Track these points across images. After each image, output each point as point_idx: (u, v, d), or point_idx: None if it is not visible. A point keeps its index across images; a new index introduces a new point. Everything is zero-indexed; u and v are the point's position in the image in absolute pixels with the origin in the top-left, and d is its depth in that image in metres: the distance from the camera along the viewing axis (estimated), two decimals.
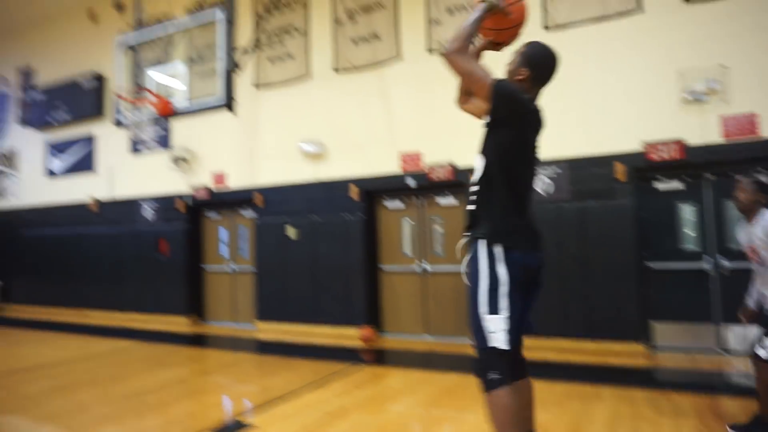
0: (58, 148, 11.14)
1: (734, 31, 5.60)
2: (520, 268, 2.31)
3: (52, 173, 11.27)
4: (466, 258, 2.43)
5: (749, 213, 3.42)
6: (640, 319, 5.91)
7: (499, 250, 2.29)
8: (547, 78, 2.53)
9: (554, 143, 6.25)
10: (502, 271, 2.27)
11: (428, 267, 7.32)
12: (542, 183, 6.37)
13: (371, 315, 7.49)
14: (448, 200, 7.22)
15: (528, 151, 2.45)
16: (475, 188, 2.45)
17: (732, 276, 5.71)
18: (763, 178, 5.57)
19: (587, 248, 6.13)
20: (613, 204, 6.03)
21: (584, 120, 6.22)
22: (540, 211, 6.28)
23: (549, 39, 6.29)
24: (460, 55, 2.33)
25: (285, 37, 8.37)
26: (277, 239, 8.15)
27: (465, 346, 6.62)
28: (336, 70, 7.86)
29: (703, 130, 5.70)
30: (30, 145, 11.67)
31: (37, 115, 11.29)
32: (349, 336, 7.35)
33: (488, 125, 2.43)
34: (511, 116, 2.36)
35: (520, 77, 2.49)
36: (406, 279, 7.49)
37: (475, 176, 2.46)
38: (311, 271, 7.86)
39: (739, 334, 5.64)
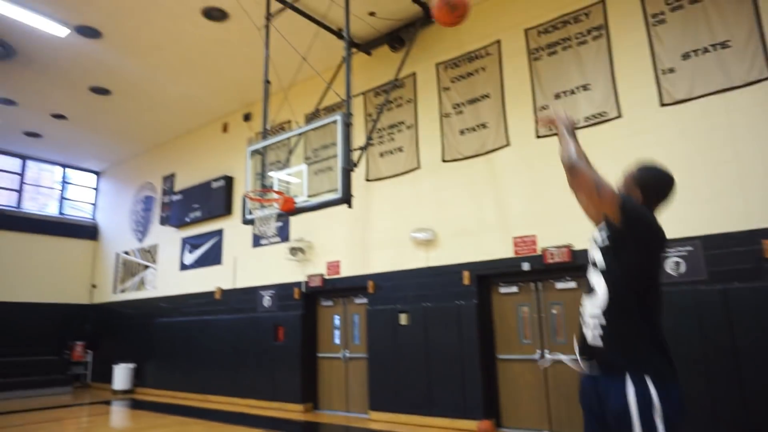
0: (191, 244, 12.38)
1: None
2: (679, 410, 2.03)
3: (184, 266, 12.45)
4: (593, 387, 2.20)
5: None
6: None
7: (651, 389, 2.01)
8: (660, 203, 2.41)
9: (684, 219, 5.92)
10: (660, 418, 1.98)
11: (549, 355, 6.92)
12: (671, 263, 5.96)
13: (488, 407, 7.11)
14: (566, 284, 6.94)
15: (659, 273, 2.27)
16: (597, 314, 2.20)
17: None
18: None
19: (737, 336, 5.49)
20: (764, 286, 5.44)
21: (717, 194, 5.85)
22: (672, 293, 5.84)
23: (668, 115, 6.22)
24: (583, 166, 2.28)
25: (395, 133, 8.96)
26: (389, 326, 8.21)
27: None
28: (444, 160, 8.20)
29: None
30: (168, 241, 13.09)
31: (175, 215, 12.76)
32: (466, 429, 6.99)
33: (613, 243, 2.26)
34: (642, 237, 2.19)
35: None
36: (525, 368, 7.11)
37: (598, 301, 2.22)
38: (424, 359, 7.74)
39: None
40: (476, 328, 7.33)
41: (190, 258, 12.33)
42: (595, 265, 2.35)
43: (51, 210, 15.60)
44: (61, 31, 8.77)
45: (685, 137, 6.15)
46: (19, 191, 14.90)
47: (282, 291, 10.01)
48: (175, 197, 12.91)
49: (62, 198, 15.85)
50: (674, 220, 5.98)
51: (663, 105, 6.39)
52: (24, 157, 14.98)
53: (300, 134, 8.06)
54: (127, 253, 14.47)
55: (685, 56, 6.29)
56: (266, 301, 10.26)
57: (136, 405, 10.96)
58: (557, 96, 7.24)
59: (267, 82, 7.89)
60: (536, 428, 6.87)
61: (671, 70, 6.38)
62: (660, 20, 6.56)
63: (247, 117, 11.66)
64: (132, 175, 15.06)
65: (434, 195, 8.19)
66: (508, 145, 7.58)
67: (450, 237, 7.90)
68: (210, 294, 11.51)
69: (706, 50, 6.16)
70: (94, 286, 15.51)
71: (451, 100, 8.35)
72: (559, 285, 7.02)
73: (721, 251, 5.71)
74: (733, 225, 5.70)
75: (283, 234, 10.18)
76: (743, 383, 5.36)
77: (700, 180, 5.94)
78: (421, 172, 8.45)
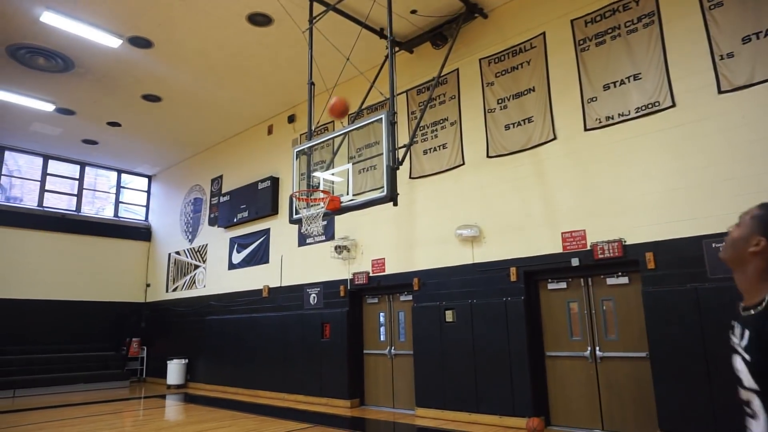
0: (239, 243, 12.72)
1: None
2: None
3: (233, 265, 12.81)
4: None
5: None
6: None
7: None
8: None
9: (744, 210, 5.67)
10: None
11: (599, 352, 6.75)
12: None
13: (537, 404, 7.00)
14: (617, 280, 6.75)
15: None
16: None
17: None
18: None
19: None
20: None
21: None
22: (732, 289, 5.59)
23: (725, 102, 5.96)
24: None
25: (438, 130, 8.95)
26: (435, 323, 8.19)
27: None
28: (489, 156, 8.12)
29: None
30: (217, 241, 13.50)
31: (223, 216, 13.15)
32: (514, 427, 6.90)
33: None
34: None
35: (755, 249, 1.59)
36: (575, 365, 6.96)
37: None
38: (470, 356, 7.69)
39: None
40: (524, 324, 7.22)
41: (238, 257, 12.67)
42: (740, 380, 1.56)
43: (107, 213, 16.36)
44: (114, 42, 9.20)
45: (745, 125, 5.87)
46: (78, 196, 15.69)
47: (328, 289, 10.16)
48: (223, 198, 13.30)
49: (117, 201, 16.59)
50: (732, 211, 5.75)
51: (721, 92, 6.12)
52: (82, 164, 15.77)
53: (344, 134, 8.16)
54: (178, 253, 15.01)
55: (745, 40, 6.01)
56: (312, 298, 10.43)
57: (189, 399, 11.35)
58: (606, 87, 7.05)
59: (311, 83, 8.03)
60: (587, 426, 6.72)
61: (730, 55, 6.11)
62: (717, 3, 6.28)
63: (291, 119, 11.89)
64: (182, 178, 15.62)
65: (479, 191, 8.12)
66: (554, 138, 7.44)
67: (496, 233, 7.82)
68: (258, 292, 11.79)
69: None
70: (148, 285, 16.16)
71: (495, 95, 8.27)
72: (610, 281, 6.83)
73: None
74: None
75: (329, 233, 10.33)
76: None
77: (760, 170, 5.66)
78: (465, 169, 8.40)
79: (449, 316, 8.04)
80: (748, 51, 6.00)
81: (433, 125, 9.03)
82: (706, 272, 5.84)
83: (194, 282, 14.10)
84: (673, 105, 6.44)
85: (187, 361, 13.39)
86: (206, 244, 13.93)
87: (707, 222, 5.92)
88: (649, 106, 6.63)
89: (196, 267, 14.13)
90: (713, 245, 5.81)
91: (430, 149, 9.02)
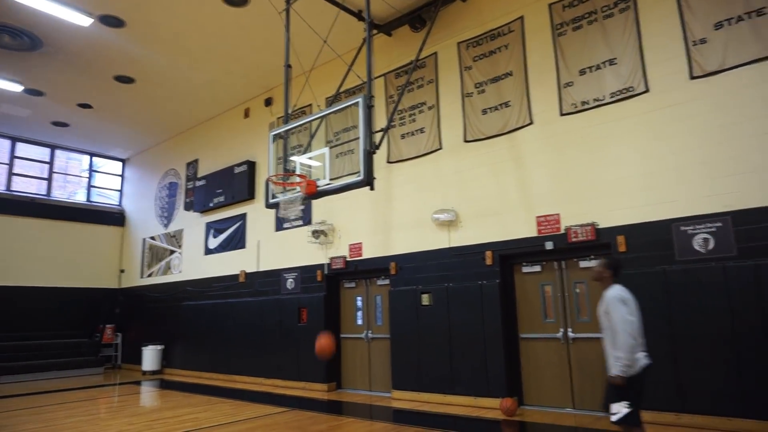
0: (215, 228, 12.57)
1: None
2: None
3: (209, 250, 12.67)
4: None
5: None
6: None
7: None
8: None
9: (712, 194, 5.81)
10: None
11: (572, 334, 6.88)
12: (699, 239, 5.84)
13: (511, 385, 7.12)
14: (590, 263, 6.85)
15: None
16: None
17: None
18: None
19: (765, 312, 5.37)
20: None
21: (748, 168, 5.68)
22: (700, 271, 5.74)
23: (697, 88, 6.05)
24: None
25: (416, 114, 8.92)
26: (411, 307, 8.24)
27: None
28: (466, 140, 8.13)
29: None
30: (193, 226, 13.32)
31: (199, 200, 12.96)
32: (488, 407, 7.01)
33: None
34: None
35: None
36: (548, 347, 7.08)
37: None
38: (446, 338, 7.76)
39: None
40: (499, 307, 7.31)
41: (214, 242, 12.53)
42: None
43: (79, 198, 15.99)
44: (85, 21, 8.91)
45: (716, 110, 5.98)
46: (49, 180, 15.29)
47: (305, 273, 10.12)
48: (199, 183, 13.09)
49: (90, 186, 16.22)
50: (703, 195, 5.91)
51: (693, 78, 6.21)
52: (52, 147, 15.35)
53: (321, 118, 8.07)
54: (153, 238, 14.78)
55: (718, 26, 6.10)
56: (289, 283, 10.38)
57: (165, 385, 11.25)
58: (582, 72, 7.10)
59: (288, 66, 7.90)
60: (559, 406, 6.86)
61: (702, 41, 6.19)
62: None
63: (268, 102, 11.73)
64: (156, 162, 15.33)
65: (456, 176, 8.14)
66: (531, 123, 7.48)
67: (472, 217, 7.86)
68: (235, 277, 11.69)
69: (740, 18, 5.95)
70: (122, 271, 15.91)
71: (473, 80, 8.26)
72: (583, 263, 6.94)
73: (752, 227, 5.57)
74: (761, 200, 5.54)
75: (306, 217, 10.27)
76: None
77: (730, 154, 5.79)
78: (443, 153, 8.41)
79: (425, 299, 8.09)
80: (720, 37, 6.08)
81: (411, 109, 8.99)
82: (674, 254, 5.98)
83: (170, 267, 13.92)
84: (647, 90, 6.51)
85: (163, 347, 13.25)
86: (182, 229, 13.73)
87: (676, 206, 6.05)
88: (624, 91, 6.70)
89: (172, 252, 13.94)
90: (680, 228, 5.96)
91: (407, 133, 8.99)
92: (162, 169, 15.00)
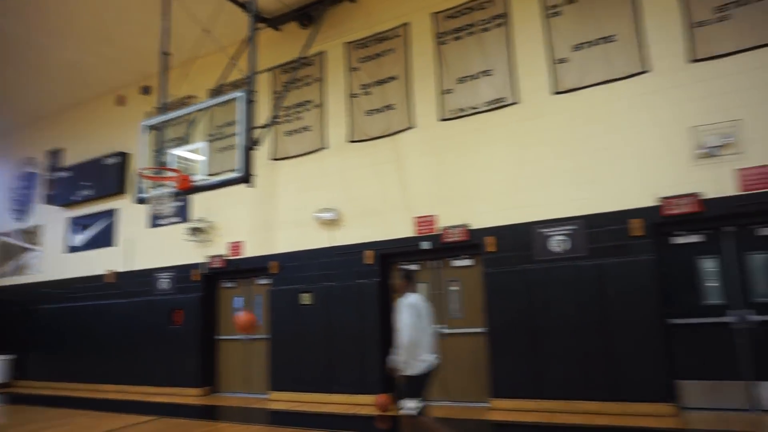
0: (80, 224, 11.45)
1: (743, 85, 5.73)
2: None
3: (73, 248, 11.50)
4: None
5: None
6: (666, 379, 5.68)
7: None
8: None
9: (568, 200, 6.37)
10: None
11: (446, 330, 7.18)
12: (558, 240, 6.39)
13: (387, 382, 7.25)
14: (463, 261, 7.21)
15: None
16: None
17: (760, 329, 5.53)
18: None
19: (608, 306, 6.01)
20: (632, 260, 5.98)
21: (597, 177, 6.32)
22: (557, 269, 6.28)
23: (559, 102, 6.62)
24: None
25: (302, 112, 8.80)
26: (292, 307, 8.10)
27: (485, 411, 6.36)
28: (351, 141, 8.18)
29: (720, 183, 5.72)
30: (53, 221, 12.01)
31: (61, 193, 11.73)
32: (364, 404, 7.09)
33: None
34: None
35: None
36: None
37: None
38: (326, 338, 7.73)
39: None
40: (378, 305, 7.43)
41: (79, 239, 11.40)
42: None
43: None
44: None
45: (572, 124, 6.59)
46: None
47: (181, 273, 9.55)
48: (63, 174, 11.85)
49: None
50: (562, 200, 6.46)
51: (556, 93, 6.79)
52: None
53: (201, 110, 7.67)
54: (5, 234, 13.09)
55: (577, 47, 6.72)
56: (163, 283, 9.74)
57: (16, 399, 10.00)
58: (461, 80, 7.45)
59: (165, 53, 7.43)
60: (433, 398, 7.07)
61: (563, 60, 6.79)
62: (556, 12, 6.94)
63: (146, 90, 10.92)
64: (10, 148, 13.59)
65: (340, 175, 8.16)
66: (413, 127, 7.71)
67: (355, 217, 7.92)
68: (101, 277, 10.72)
69: (596, 42, 6.61)
70: None
71: (360, 81, 8.34)
72: (457, 263, 7.28)
73: (599, 230, 6.20)
74: (608, 206, 6.20)
75: (183, 214, 9.70)
76: (613, 346, 5.89)
77: (583, 164, 6.41)
78: (328, 152, 8.38)
79: (306, 299, 8.01)
80: (578, 58, 6.71)
81: (298, 107, 8.86)
82: (533, 255, 6.49)
83: (25, 267, 12.42)
84: (517, 102, 7.00)
85: (14, 356, 11.77)
86: (41, 225, 12.32)
87: (537, 210, 6.57)
88: (497, 101, 7.15)
89: (28, 250, 12.46)
90: (537, 230, 6.50)
91: (293, 131, 8.85)
92: (17, 156, 13.34)
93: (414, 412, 4.28)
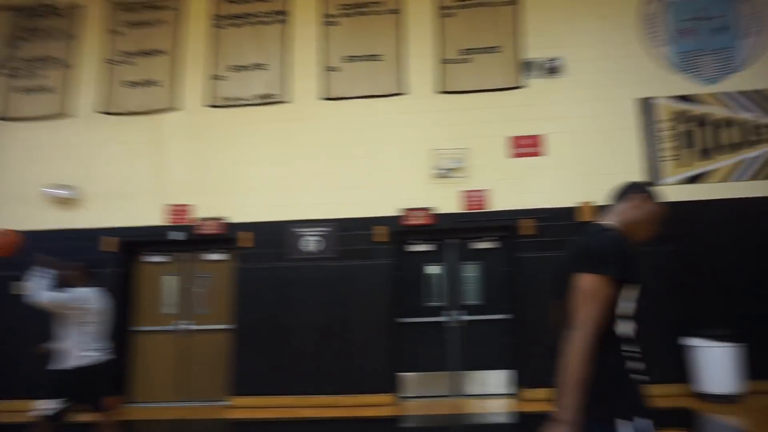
0: None
1: (472, 120, 6.69)
2: None
3: None
4: None
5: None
6: (391, 372, 6.30)
7: None
8: None
9: (324, 202, 6.63)
10: None
11: (191, 326, 6.79)
12: (313, 240, 6.60)
13: (117, 384, 6.54)
14: (217, 255, 6.94)
15: None
16: None
17: (469, 327, 6.51)
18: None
19: (350, 306, 6.41)
20: (375, 264, 6.49)
21: (351, 184, 6.70)
22: (309, 268, 6.48)
23: (326, 108, 6.85)
24: None
25: (44, 69, 7.47)
26: (2, 298, 6.76)
27: (224, 410, 6.21)
28: (103, 112, 7.23)
29: (448, 201, 6.59)
30: None
31: None
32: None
33: None
34: None
35: None
36: (164, 340, 6.82)
37: None
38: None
39: (474, 379, 6.39)
40: (120, 298, 6.67)
41: None
42: None
43: None
44: None
45: (335, 131, 6.89)
46: None
47: None
48: None
49: None
50: (318, 203, 6.69)
51: (325, 99, 7.02)
52: None
53: None
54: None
55: (350, 59, 7.06)
56: None
57: None
58: (234, 68, 7.19)
59: None
60: (170, 399, 6.64)
61: (334, 69, 7.07)
62: (333, 21, 7.19)
63: None
64: None
65: (83, 148, 7.13)
66: (176, 108, 7.17)
67: (96, 198, 6.99)
68: None
69: (366, 58, 7.03)
70: None
71: (122, 47, 7.43)
72: (209, 256, 6.98)
73: (348, 233, 6.59)
74: (358, 212, 6.64)
75: None
76: (350, 343, 6.33)
77: (340, 170, 6.75)
78: (73, 121, 7.26)
79: (21, 289, 6.75)
80: (348, 69, 7.06)
81: (39, 61, 7.49)
82: (286, 253, 6.60)
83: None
84: (288, 101, 7.04)
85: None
86: None
87: (295, 209, 6.70)
88: (268, 96, 7.09)
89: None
90: (292, 229, 6.64)
91: (31, 88, 7.45)
92: None
93: (49, 413, 3.67)
